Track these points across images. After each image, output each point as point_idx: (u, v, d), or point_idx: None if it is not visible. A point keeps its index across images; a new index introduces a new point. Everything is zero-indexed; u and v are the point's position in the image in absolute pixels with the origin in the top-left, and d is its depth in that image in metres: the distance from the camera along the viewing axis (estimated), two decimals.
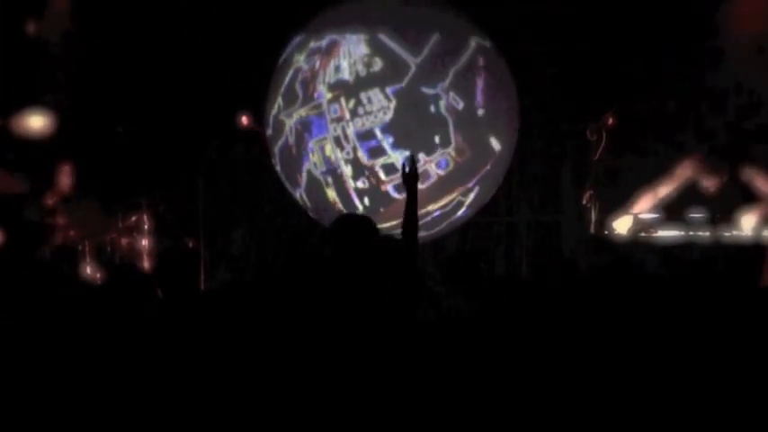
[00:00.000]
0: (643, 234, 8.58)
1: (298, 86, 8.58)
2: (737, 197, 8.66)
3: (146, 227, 9.22)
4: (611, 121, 9.15)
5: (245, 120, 9.73)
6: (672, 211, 8.76)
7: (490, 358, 4.59)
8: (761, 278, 6.95)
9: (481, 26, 8.63)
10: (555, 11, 9.51)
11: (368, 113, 8.28)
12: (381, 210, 8.31)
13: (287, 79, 8.67)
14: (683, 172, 8.87)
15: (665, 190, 8.90)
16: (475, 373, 4.54)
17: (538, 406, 4.42)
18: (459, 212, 8.66)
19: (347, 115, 8.33)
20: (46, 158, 9.38)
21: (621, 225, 8.77)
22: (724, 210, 8.48)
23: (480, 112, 8.35)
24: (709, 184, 8.74)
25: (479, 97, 8.35)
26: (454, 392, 4.47)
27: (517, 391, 4.47)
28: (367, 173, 8.33)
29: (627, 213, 8.82)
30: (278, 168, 8.94)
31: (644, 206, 8.87)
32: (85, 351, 4.66)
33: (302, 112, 8.53)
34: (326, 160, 8.46)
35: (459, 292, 5.47)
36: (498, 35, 8.70)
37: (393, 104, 8.19)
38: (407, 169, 5.17)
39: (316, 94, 8.47)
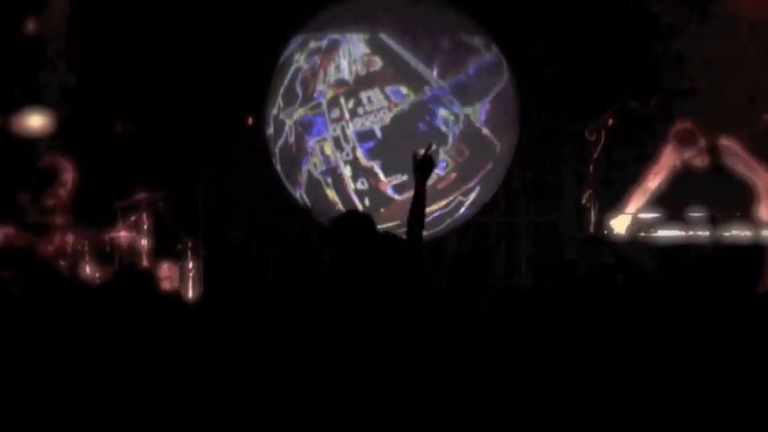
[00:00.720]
0: (642, 234, 8.57)
1: (298, 86, 8.59)
2: (736, 195, 8.64)
3: (145, 226, 9.20)
4: (610, 121, 9.14)
5: (250, 120, 9.77)
6: (672, 210, 8.75)
7: (491, 361, 4.59)
8: (760, 282, 6.92)
9: (482, 25, 8.64)
10: (555, 11, 9.50)
11: (368, 113, 8.28)
12: (381, 210, 8.32)
13: (287, 79, 8.68)
14: (668, 159, 8.85)
15: (654, 183, 8.88)
16: (477, 376, 4.54)
17: (538, 408, 4.42)
18: (460, 212, 8.67)
19: (347, 115, 8.33)
20: (46, 157, 9.36)
21: (620, 225, 8.76)
22: (724, 209, 8.48)
23: (483, 114, 8.39)
24: (694, 158, 8.71)
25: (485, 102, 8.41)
26: (456, 394, 4.46)
27: (518, 393, 4.47)
28: (366, 173, 8.35)
29: (625, 213, 8.80)
30: (278, 168, 8.94)
31: (637, 203, 8.86)
32: (86, 351, 4.66)
33: (302, 111, 8.53)
34: (326, 160, 8.46)
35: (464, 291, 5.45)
36: (499, 35, 8.70)
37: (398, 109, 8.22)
38: (418, 157, 4.79)
39: (315, 94, 8.47)
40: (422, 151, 4.74)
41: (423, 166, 4.73)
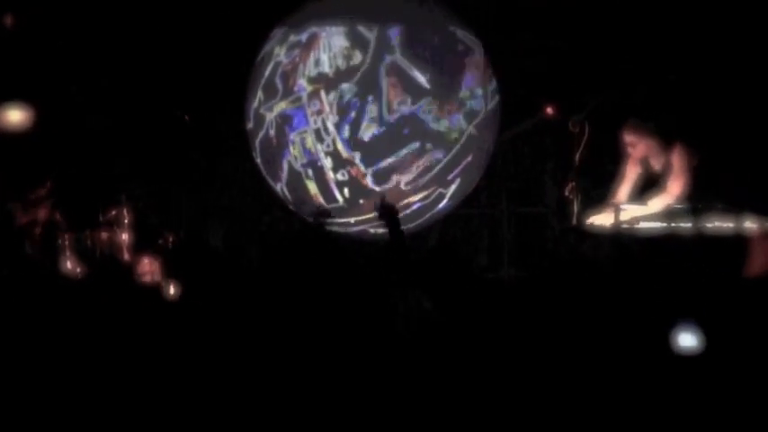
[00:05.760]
0: (625, 225, 8.55)
1: (278, 80, 8.58)
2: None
3: (125, 221, 9.19)
4: (591, 112, 9.15)
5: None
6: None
7: (481, 358, 4.57)
8: (745, 268, 6.93)
9: (465, 18, 8.63)
10: (538, 3, 9.52)
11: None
12: (361, 201, 8.32)
13: (267, 72, 8.66)
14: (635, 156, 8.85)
15: (630, 178, 8.88)
16: (467, 372, 4.52)
17: (530, 404, 4.40)
18: (441, 204, 8.65)
19: (327, 108, 8.33)
20: (26, 153, 9.34)
21: (603, 217, 8.75)
22: (707, 200, 8.48)
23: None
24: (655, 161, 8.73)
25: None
26: (447, 391, 4.44)
27: (507, 389, 4.45)
28: (347, 165, 8.35)
29: (609, 206, 8.80)
30: (258, 161, 8.93)
31: (621, 197, 8.86)
32: (76, 345, 4.64)
33: (283, 105, 8.52)
34: (307, 152, 8.45)
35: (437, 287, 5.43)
36: (482, 26, 8.69)
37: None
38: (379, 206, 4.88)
39: (296, 88, 8.46)
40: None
41: (385, 216, 4.83)
